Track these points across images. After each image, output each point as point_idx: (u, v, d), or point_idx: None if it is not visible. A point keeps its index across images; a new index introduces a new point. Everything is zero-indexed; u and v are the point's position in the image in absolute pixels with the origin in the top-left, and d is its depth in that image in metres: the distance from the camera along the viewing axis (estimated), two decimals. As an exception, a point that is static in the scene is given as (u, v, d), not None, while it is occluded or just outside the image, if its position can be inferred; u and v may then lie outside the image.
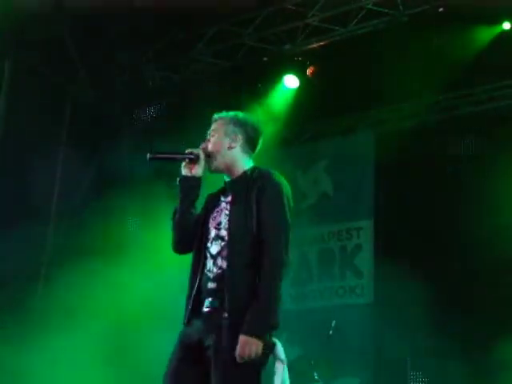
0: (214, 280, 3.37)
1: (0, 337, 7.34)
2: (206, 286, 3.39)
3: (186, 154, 3.54)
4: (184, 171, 3.54)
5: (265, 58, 8.80)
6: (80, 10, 7.72)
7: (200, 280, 3.42)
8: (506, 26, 8.00)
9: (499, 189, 8.19)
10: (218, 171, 3.59)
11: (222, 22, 8.54)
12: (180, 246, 3.59)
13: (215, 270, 3.38)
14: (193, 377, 3.33)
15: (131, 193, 8.53)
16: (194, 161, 3.52)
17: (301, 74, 8.94)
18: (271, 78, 9.16)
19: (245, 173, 3.54)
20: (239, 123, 3.61)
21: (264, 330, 3.22)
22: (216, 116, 3.67)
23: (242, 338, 3.15)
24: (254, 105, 9.01)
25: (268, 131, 9.18)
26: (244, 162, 3.58)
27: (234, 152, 3.57)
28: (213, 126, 3.63)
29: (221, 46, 8.75)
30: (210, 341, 3.28)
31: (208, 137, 3.63)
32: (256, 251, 3.30)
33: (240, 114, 3.66)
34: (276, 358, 5.37)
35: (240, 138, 3.58)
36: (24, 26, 7.91)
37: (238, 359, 3.16)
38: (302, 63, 8.89)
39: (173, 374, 3.35)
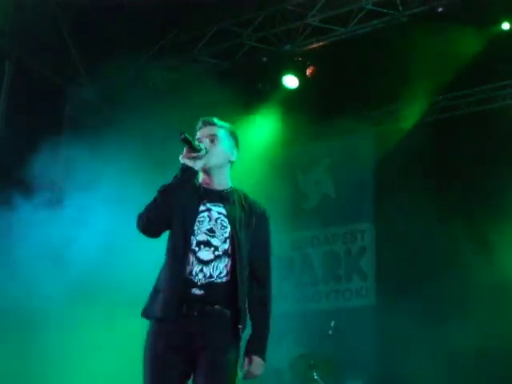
0: (201, 288, 3.38)
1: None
2: (189, 289, 3.37)
3: (199, 149, 3.46)
4: (188, 162, 3.43)
5: (265, 58, 8.80)
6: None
7: (179, 279, 3.38)
8: (506, 26, 8.01)
9: (499, 189, 8.21)
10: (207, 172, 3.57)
11: (222, 22, 8.55)
12: (158, 228, 3.47)
13: (202, 277, 3.39)
14: (177, 377, 3.35)
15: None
16: (198, 156, 3.45)
17: (301, 73, 8.94)
18: (271, 77, 9.17)
19: (233, 189, 3.61)
20: (235, 138, 3.69)
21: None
22: (216, 121, 3.65)
23: (257, 359, 3.50)
24: (254, 105, 9.03)
25: (268, 132, 9.21)
26: (229, 177, 3.66)
27: (229, 166, 3.65)
28: (213, 130, 3.60)
29: (221, 45, 8.75)
30: (203, 342, 3.33)
31: (204, 135, 3.56)
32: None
33: (233, 128, 3.71)
34: None
35: (235, 153, 3.66)
36: (24, 26, 7.90)
37: (248, 376, 3.48)
38: (302, 63, 8.89)
39: (159, 375, 3.34)
